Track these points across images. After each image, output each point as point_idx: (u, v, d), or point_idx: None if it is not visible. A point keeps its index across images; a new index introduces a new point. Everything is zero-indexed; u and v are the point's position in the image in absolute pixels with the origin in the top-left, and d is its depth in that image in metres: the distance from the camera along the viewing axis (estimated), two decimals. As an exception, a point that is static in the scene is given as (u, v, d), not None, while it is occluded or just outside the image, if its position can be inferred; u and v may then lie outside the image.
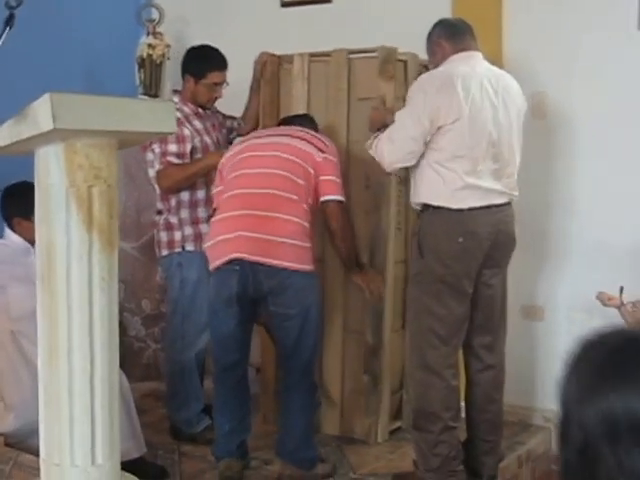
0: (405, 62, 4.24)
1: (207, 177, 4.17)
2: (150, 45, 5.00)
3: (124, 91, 4.71)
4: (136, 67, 5.07)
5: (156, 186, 4.19)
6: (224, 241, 3.63)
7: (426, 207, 3.55)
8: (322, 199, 3.71)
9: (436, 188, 3.49)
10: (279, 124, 4.10)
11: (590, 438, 1.26)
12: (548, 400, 4.49)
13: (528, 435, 4.41)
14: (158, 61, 5.02)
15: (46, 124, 2.17)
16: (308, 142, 3.74)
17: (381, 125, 3.67)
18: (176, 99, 4.21)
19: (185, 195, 4.17)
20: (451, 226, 3.49)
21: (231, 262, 3.58)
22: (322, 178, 3.68)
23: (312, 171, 3.67)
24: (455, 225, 3.49)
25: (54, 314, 2.41)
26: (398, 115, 3.55)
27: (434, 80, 3.52)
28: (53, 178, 2.36)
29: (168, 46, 5.06)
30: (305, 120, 4.01)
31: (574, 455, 1.30)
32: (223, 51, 4.34)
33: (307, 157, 3.69)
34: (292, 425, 3.71)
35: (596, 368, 1.31)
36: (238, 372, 3.77)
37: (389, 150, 3.54)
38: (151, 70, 5.02)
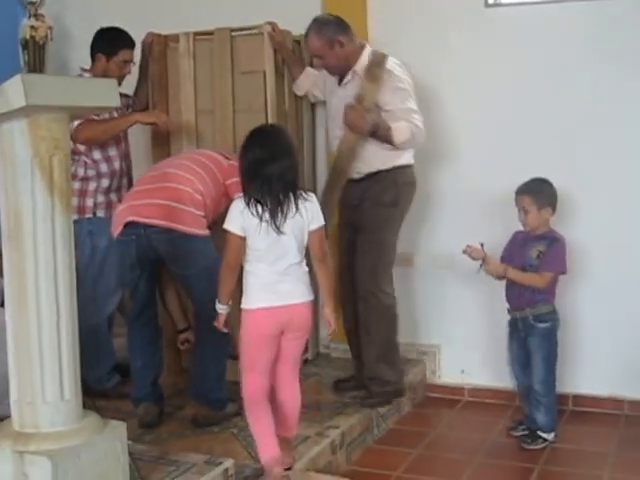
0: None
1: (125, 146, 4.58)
2: (32, 27, 5.23)
3: (9, 72, 4.86)
4: (20, 48, 5.27)
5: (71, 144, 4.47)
6: (121, 210, 4.03)
7: (388, 168, 4.34)
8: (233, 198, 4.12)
9: (404, 153, 4.36)
10: None
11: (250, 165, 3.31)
12: (421, 336, 5.07)
13: (407, 368, 4.94)
14: (41, 42, 5.25)
15: (18, 102, 2.51)
16: (216, 152, 4.27)
17: (369, 126, 4.21)
18: (87, 76, 4.49)
19: (104, 167, 4.48)
20: (412, 177, 4.44)
21: (128, 227, 3.95)
22: (229, 181, 4.08)
23: (218, 173, 4.10)
24: (413, 176, 4.44)
25: (22, 269, 2.75)
26: (402, 99, 4.24)
27: (400, 68, 4.35)
28: (18, 149, 2.69)
29: (50, 27, 5.29)
30: None
31: (246, 172, 3.32)
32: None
33: (214, 160, 4.15)
34: (206, 371, 4.10)
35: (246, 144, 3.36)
36: (147, 315, 4.17)
37: (423, 128, 4.28)
38: (34, 51, 5.24)
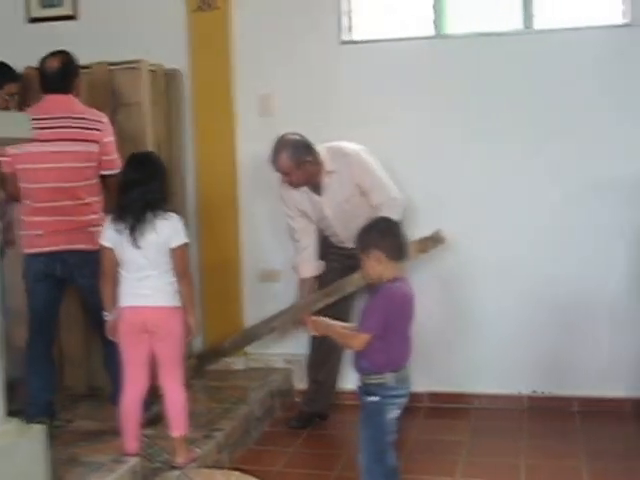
0: (155, 72, 5.06)
1: None
2: None
3: None
4: None
5: None
6: (37, 236, 4.26)
7: None
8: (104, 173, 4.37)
9: None
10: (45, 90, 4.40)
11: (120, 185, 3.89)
12: (288, 345, 5.46)
13: (275, 376, 5.39)
14: None
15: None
16: (88, 141, 4.31)
17: None
18: None
19: None
20: None
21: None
22: (105, 158, 4.32)
23: (96, 164, 4.32)
24: None
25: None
26: (373, 178, 4.72)
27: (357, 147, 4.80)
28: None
29: None
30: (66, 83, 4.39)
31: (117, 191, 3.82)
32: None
33: (91, 156, 4.31)
34: (117, 376, 4.20)
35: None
36: (46, 337, 4.39)
37: (399, 197, 4.76)
38: None
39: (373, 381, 3.38)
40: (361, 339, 3.35)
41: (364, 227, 3.50)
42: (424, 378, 5.11)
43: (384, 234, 3.41)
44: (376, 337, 3.33)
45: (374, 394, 3.37)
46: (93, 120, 4.34)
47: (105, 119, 4.39)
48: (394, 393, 3.38)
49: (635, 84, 4.93)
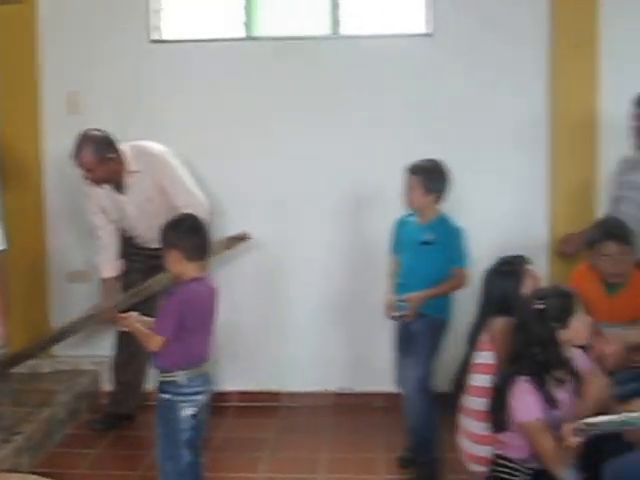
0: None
1: None
2: None
3: None
4: None
5: None
6: None
7: None
8: None
9: None
10: None
11: None
12: (94, 347, 5.35)
13: (82, 378, 5.29)
14: None
15: None
16: None
17: None
18: None
19: None
20: None
21: None
22: None
23: None
24: None
25: None
26: (177, 186, 4.65)
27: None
28: None
29: None
30: None
31: None
32: None
33: None
34: None
35: None
36: None
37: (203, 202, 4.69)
38: None
39: (166, 379, 3.39)
40: (156, 341, 3.34)
41: (165, 225, 3.46)
42: (233, 377, 5.20)
43: (184, 234, 3.38)
44: (172, 337, 3.33)
45: (166, 392, 3.39)
46: None
47: None
48: (187, 391, 3.38)
49: (434, 87, 5.12)
